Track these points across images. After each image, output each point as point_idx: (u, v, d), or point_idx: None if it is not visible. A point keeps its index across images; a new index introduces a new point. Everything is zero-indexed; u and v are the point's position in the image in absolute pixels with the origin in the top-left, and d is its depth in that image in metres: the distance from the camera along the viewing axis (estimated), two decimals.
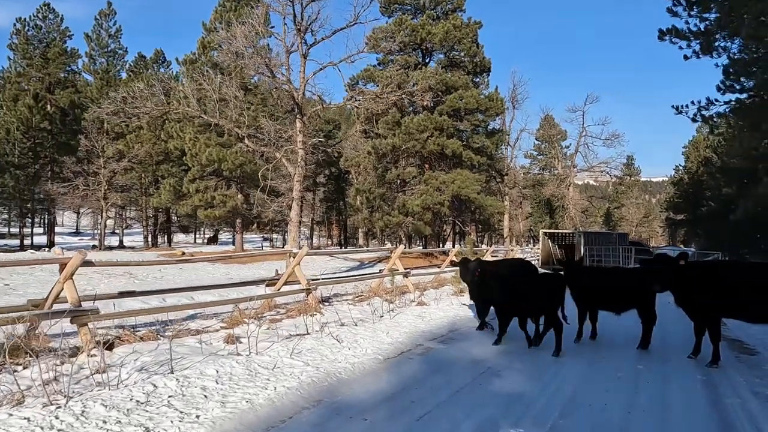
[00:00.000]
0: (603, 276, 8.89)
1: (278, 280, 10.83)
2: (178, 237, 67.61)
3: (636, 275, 8.38)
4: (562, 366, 6.67)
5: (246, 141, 19.60)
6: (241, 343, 7.53)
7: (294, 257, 10.62)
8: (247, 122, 19.55)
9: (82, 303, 6.74)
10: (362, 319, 9.82)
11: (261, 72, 18.63)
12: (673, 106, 16.21)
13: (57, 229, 68.62)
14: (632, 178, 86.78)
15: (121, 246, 46.14)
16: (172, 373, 5.77)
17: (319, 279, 12.09)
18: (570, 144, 56.42)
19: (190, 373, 5.79)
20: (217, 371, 5.91)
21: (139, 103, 18.91)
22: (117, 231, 61.69)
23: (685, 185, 60.32)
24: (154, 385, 5.29)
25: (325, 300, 11.65)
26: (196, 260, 9.30)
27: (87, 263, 6.80)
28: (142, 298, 11.50)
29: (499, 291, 8.04)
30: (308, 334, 8.31)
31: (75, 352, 6.60)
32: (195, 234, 73.15)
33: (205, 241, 64.25)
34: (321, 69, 18.58)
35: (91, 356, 6.30)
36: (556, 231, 35.71)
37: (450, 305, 12.13)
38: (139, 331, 7.80)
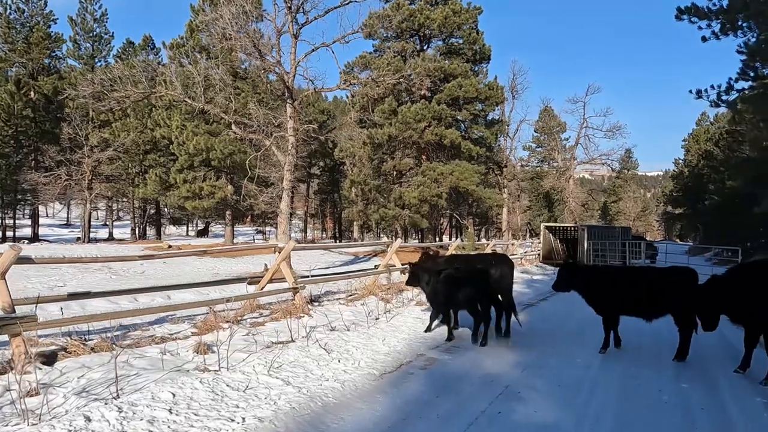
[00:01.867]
0: (627, 278, 7.50)
1: (262, 277, 9.70)
2: (170, 229, 66.29)
3: (668, 276, 7.20)
4: (594, 385, 5.57)
5: (233, 127, 18.38)
6: (213, 352, 6.44)
7: (280, 252, 9.49)
8: (234, 107, 18.32)
9: (16, 308, 5.59)
10: (355, 323, 8.72)
11: (249, 53, 17.41)
12: (690, 91, 15.12)
13: (47, 221, 67.25)
14: (630, 172, 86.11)
15: (110, 238, 44.87)
16: (117, 398, 4.65)
17: (308, 276, 10.97)
18: (569, 136, 55.36)
19: (140, 398, 4.67)
20: (174, 395, 4.79)
21: (120, 86, 17.66)
22: (108, 223, 60.21)
23: (685, 179, 59.43)
24: (88, 418, 4.17)
25: (314, 300, 10.53)
26: (161, 256, 8.14)
27: (23, 260, 5.65)
28: (112, 298, 10.41)
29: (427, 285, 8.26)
30: (292, 341, 7.21)
31: (7, 368, 5.46)
32: (187, 226, 71.80)
33: (197, 233, 62.98)
34: (313, 50, 17.38)
35: (25, 373, 5.18)
36: (558, 225, 34.67)
37: None
38: (92, 339, 6.67)
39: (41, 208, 66.20)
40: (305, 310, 9.19)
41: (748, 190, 33.79)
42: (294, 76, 17.64)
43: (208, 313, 8.01)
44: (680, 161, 66.52)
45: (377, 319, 9.19)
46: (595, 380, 5.72)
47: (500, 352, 7.24)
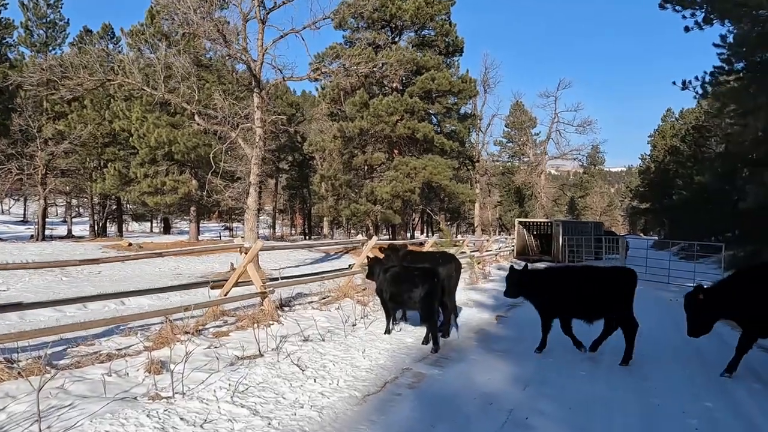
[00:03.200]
0: (570, 279, 7.02)
1: (226, 280, 8.77)
2: (133, 226, 64.09)
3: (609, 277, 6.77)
4: (609, 407, 4.88)
5: (197, 118, 17.25)
6: (168, 371, 5.55)
7: (246, 253, 8.58)
8: (197, 97, 17.19)
9: None
10: (331, 330, 7.92)
11: (213, 39, 16.31)
12: (674, 82, 14.73)
13: (3, 218, 64.16)
14: (596, 167, 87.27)
15: (69, 235, 42.91)
16: None
17: (278, 278, 10.09)
18: (540, 131, 55.34)
19: None
20: None
21: (72, 74, 16.36)
22: (67, 219, 57.65)
23: (651, 174, 60.16)
24: None
25: (284, 304, 9.66)
26: (106, 260, 7.06)
27: None
28: (60, 306, 9.32)
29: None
30: (260, 355, 6.36)
31: None
32: (151, 222, 69.52)
33: (161, 230, 60.93)
34: (282, 37, 16.36)
35: None
36: (532, 220, 34.39)
37: None
38: (24, 358, 5.68)
39: None
40: (275, 317, 8.33)
41: (717, 186, 34.12)
42: (261, 64, 16.60)
43: (163, 322, 7.07)
44: (646, 157, 67.35)
45: (354, 325, 8.40)
46: (609, 400, 5.03)
47: (493, 363, 6.53)
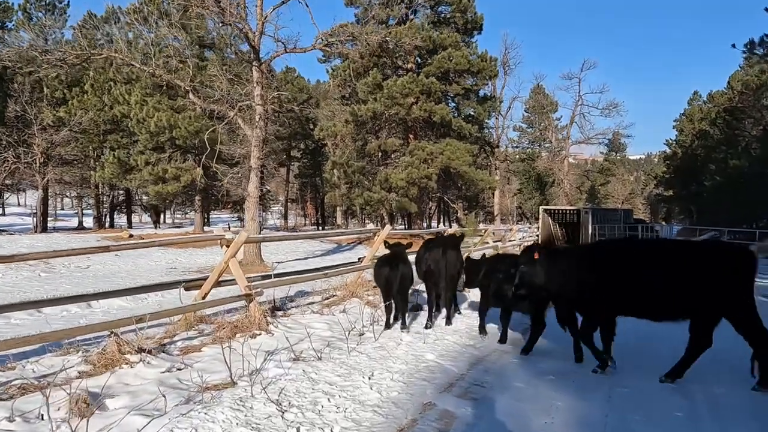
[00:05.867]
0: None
1: (204, 280, 7.14)
2: (145, 217, 63.20)
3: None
4: None
5: (191, 96, 15.66)
6: (101, 410, 3.98)
7: (228, 246, 6.93)
8: (192, 73, 15.57)
9: None
10: (331, 343, 6.25)
11: (206, 7, 14.64)
12: (734, 45, 12.84)
13: (17, 210, 63.57)
14: (618, 155, 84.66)
15: (80, 227, 41.95)
16: None
17: (271, 276, 8.45)
18: (561, 116, 53.00)
19: None
20: None
21: (54, 47, 14.85)
22: (77, 211, 56.86)
23: (678, 160, 57.58)
24: None
25: (278, 307, 8.00)
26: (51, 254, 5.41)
27: None
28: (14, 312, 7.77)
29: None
30: (233, 384, 4.72)
31: None
32: (164, 214, 68.60)
33: (172, 221, 59.96)
34: (283, 2, 14.66)
35: None
36: (557, 208, 32.46)
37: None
38: None
39: (13, 197, 62.35)
40: (262, 325, 6.70)
41: (756, 170, 31.84)
42: (261, 34, 14.92)
43: (109, 336, 5.44)
44: (672, 142, 64.61)
45: (361, 335, 6.72)
46: None
47: (546, 394, 4.81)
